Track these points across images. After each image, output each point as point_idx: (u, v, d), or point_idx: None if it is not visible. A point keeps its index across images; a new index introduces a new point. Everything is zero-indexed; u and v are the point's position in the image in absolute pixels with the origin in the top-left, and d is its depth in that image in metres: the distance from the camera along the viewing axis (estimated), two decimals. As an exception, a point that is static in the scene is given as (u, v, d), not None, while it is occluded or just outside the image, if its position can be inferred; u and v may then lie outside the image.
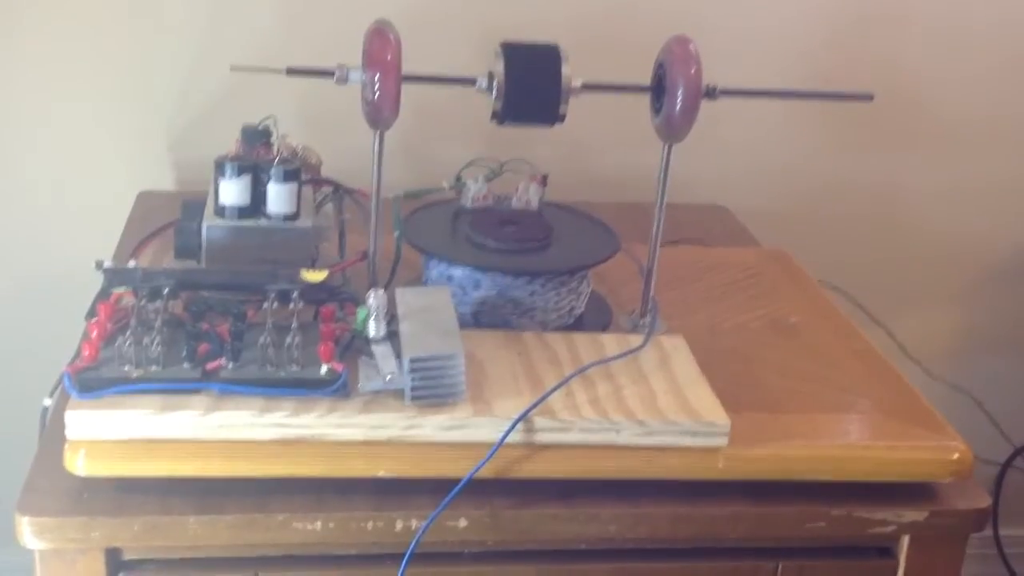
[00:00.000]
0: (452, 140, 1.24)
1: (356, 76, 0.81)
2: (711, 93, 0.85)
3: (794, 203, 1.38)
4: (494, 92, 0.83)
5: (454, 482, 0.72)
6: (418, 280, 0.93)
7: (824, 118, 1.34)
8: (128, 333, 0.73)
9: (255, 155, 0.89)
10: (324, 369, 0.74)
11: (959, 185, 1.40)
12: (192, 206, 0.90)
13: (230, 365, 0.74)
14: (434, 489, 0.73)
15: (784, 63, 1.30)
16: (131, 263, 0.83)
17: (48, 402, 0.80)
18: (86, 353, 0.73)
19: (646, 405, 0.76)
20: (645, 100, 0.88)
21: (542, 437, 0.74)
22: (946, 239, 1.43)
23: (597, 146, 1.31)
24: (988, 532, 1.51)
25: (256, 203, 0.87)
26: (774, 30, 1.30)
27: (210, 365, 0.73)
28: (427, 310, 0.79)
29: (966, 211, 1.42)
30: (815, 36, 1.31)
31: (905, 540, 0.80)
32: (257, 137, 0.92)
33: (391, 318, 0.78)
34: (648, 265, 0.91)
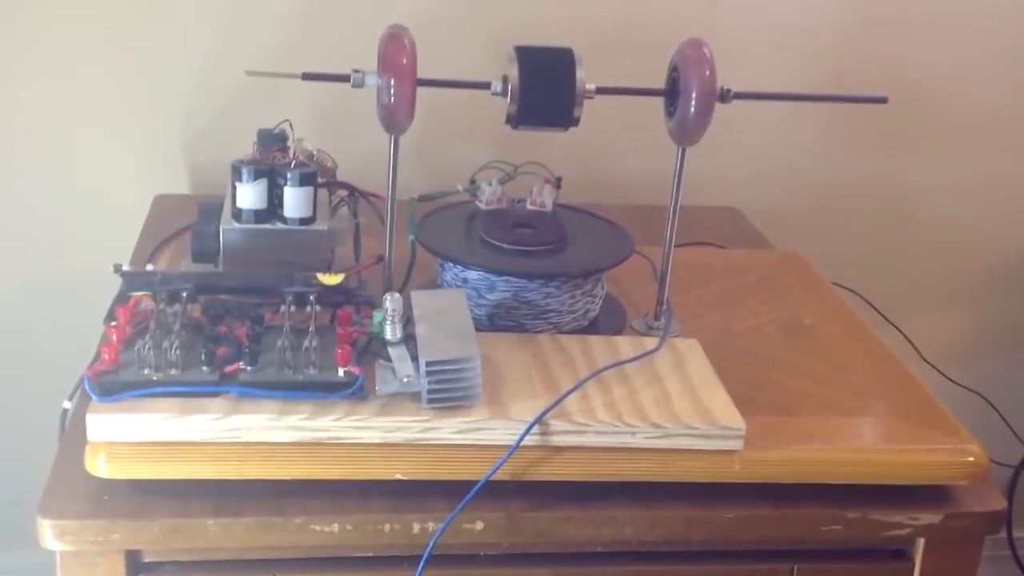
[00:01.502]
0: (466, 143, 1.24)
1: (372, 81, 0.81)
2: (725, 96, 0.85)
3: (805, 204, 1.38)
4: (509, 96, 0.84)
5: (470, 485, 0.73)
6: (433, 283, 0.93)
7: (834, 119, 1.34)
8: (147, 337, 0.74)
9: (271, 159, 0.89)
10: (341, 372, 0.74)
11: (972, 185, 1.40)
12: (209, 210, 0.90)
13: (248, 368, 0.74)
14: (450, 492, 0.73)
15: (794, 64, 1.30)
16: (148, 267, 0.84)
17: (67, 405, 0.80)
18: (106, 356, 0.73)
19: (661, 408, 0.76)
20: (658, 103, 0.88)
21: (558, 440, 0.75)
22: (959, 239, 1.43)
23: (610, 149, 1.31)
24: (1001, 534, 1.51)
25: (272, 207, 0.88)
26: (784, 31, 1.30)
27: (228, 368, 0.74)
28: (443, 313, 0.79)
29: (979, 211, 1.42)
30: (825, 36, 1.31)
31: (920, 543, 0.80)
32: (273, 141, 0.92)
33: (407, 321, 0.78)
34: (662, 268, 0.92)
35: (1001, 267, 1.45)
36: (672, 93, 0.86)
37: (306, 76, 0.83)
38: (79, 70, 1.22)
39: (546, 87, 0.84)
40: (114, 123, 1.24)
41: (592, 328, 0.91)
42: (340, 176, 0.98)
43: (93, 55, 1.22)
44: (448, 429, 0.74)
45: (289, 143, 0.93)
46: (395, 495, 0.74)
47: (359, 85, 0.82)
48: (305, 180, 0.87)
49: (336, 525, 0.73)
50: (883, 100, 0.89)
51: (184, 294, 0.79)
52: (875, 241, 1.41)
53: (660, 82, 0.88)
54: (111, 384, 0.72)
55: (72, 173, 1.26)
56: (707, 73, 0.83)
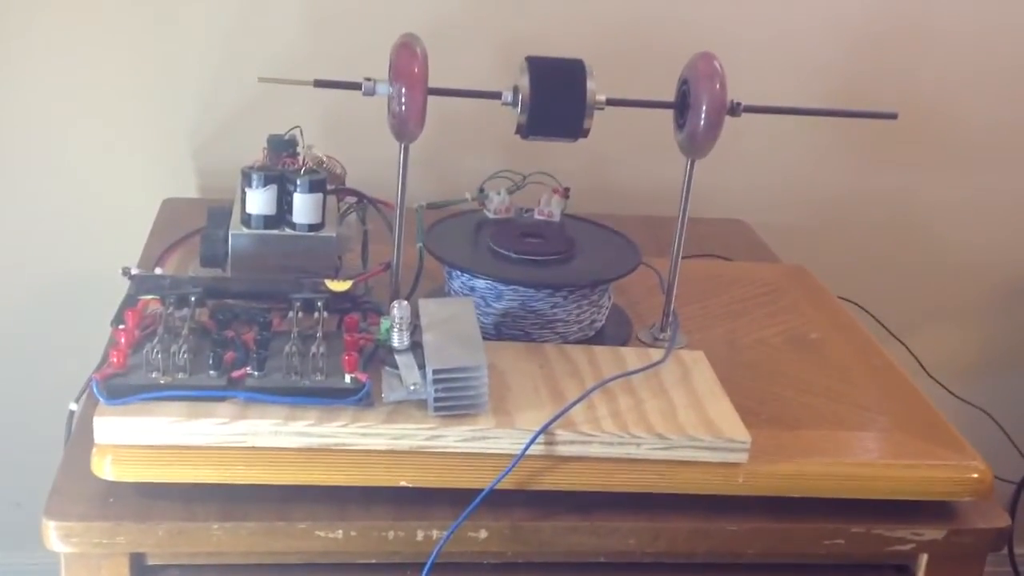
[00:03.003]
0: (475, 152, 1.25)
1: (383, 89, 0.81)
2: (734, 110, 0.85)
3: (811, 217, 1.39)
4: (519, 106, 0.84)
5: (475, 493, 0.73)
6: (440, 291, 0.93)
7: (842, 132, 1.34)
8: (156, 340, 0.74)
9: (281, 165, 0.90)
10: (348, 379, 0.74)
11: (979, 200, 1.40)
12: (218, 214, 0.90)
13: (255, 373, 0.74)
14: (455, 500, 0.73)
15: (803, 76, 1.31)
16: (157, 270, 0.84)
17: (74, 407, 0.81)
18: (114, 360, 0.73)
19: (666, 420, 0.77)
20: (667, 114, 0.89)
21: (563, 450, 0.75)
22: (964, 255, 1.43)
23: (618, 159, 1.31)
24: (1003, 550, 1.51)
25: (282, 212, 0.88)
26: (794, 43, 1.31)
27: (236, 373, 0.74)
28: (450, 321, 0.79)
29: (986, 226, 1.42)
30: (835, 48, 1.31)
31: (924, 559, 0.80)
32: (283, 147, 0.92)
33: (414, 328, 0.78)
34: (669, 279, 0.92)
35: (1006, 283, 1.45)
36: (682, 106, 0.86)
37: (318, 83, 0.83)
38: (89, 73, 1.22)
39: (556, 98, 0.84)
40: (124, 125, 1.25)
41: (598, 338, 0.91)
42: (349, 183, 0.98)
43: (104, 58, 1.22)
44: (454, 437, 0.74)
45: (299, 149, 0.93)
46: (400, 502, 0.74)
47: (370, 93, 0.82)
48: (315, 187, 0.87)
49: (340, 531, 0.73)
50: (893, 116, 0.89)
51: (193, 298, 0.79)
52: (880, 255, 1.41)
53: (670, 94, 0.88)
54: (119, 387, 0.72)
55: (80, 175, 1.26)
56: (718, 87, 0.83)
